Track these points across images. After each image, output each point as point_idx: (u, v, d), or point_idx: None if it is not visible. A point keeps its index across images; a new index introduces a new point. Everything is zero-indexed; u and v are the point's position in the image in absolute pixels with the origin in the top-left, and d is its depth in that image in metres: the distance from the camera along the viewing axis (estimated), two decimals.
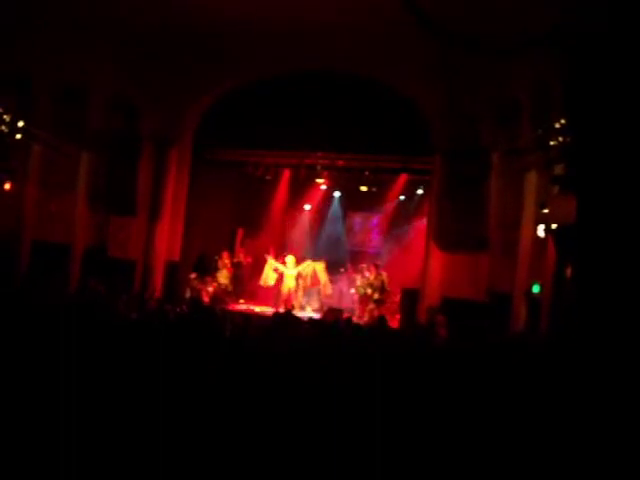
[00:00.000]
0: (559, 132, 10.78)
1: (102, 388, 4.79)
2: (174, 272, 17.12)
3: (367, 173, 17.39)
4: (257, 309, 17.25)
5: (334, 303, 17.32)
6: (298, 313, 14.27)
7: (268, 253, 17.97)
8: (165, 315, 9.16)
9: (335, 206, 20.68)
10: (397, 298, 16.77)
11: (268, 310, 17.07)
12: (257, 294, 18.55)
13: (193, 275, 17.06)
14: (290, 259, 17.67)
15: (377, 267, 16.87)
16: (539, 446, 4.46)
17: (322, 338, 7.73)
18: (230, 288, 17.76)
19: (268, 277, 17.76)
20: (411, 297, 15.79)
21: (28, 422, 4.34)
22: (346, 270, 18.65)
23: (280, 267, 17.64)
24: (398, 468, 4.34)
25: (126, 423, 4.47)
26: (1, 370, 4.99)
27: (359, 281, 16.96)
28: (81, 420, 4.30)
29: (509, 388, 5.57)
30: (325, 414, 4.73)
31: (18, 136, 12.94)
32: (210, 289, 17.04)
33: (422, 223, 17.30)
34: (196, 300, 12.27)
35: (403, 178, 18.45)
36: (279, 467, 4.32)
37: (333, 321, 11.00)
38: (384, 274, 16.76)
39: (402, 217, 19.76)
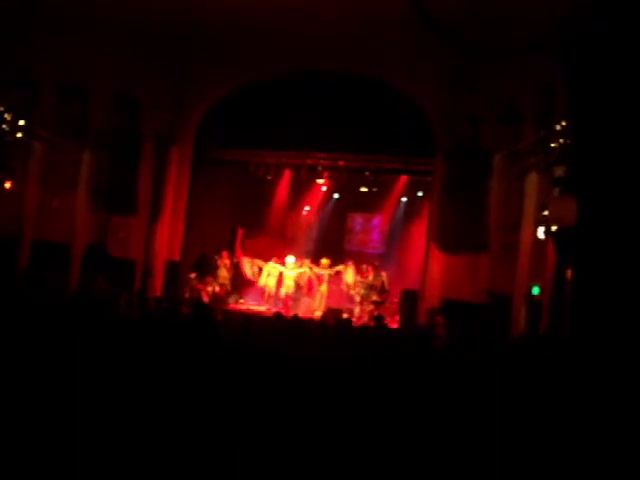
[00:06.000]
0: (560, 134, 10.79)
1: (102, 386, 4.79)
2: (174, 272, 17.10)
3: (368, 174, 17.38)
4: (256, 309, 17.24)
5: (333, 303, 17.28)
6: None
7: (270, 256, 17.99)
8: (166, 315, 9.16)
9: (334, 207, 20.66)
10: (397, 299, 16.75)
11: (262, 309, 17.14)
12: (257, 294, 18.50)
13: (193, 275, 17.04)
14: (289, 260, 17.66)
15: (375, 268, 16.86)
16: (538, 448, 4.47)
17: (324, 340, 7.74)
18: (230, 288, 17.76)
19: (266, 279, 17.76)
20: (411, 298, 15.76)
21: (29, 419, 4.34)
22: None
23: (279, 268, 17.61)
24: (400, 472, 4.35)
25: (126, 421, 4.47)
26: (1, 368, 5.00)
27: (359, 282, 16.93)
28: (81, 417, 4.30)
29: (510, 389, 5.57)
30: (327, 417, 4.73)
31: (19, 134, 12.96)
32: (210, 289, 17.03)
33: (422, 224, 17.27)
34: (198, 301, 12.27)
35: (404, 179, 18.45)
36: (279, 467, 4.32)
37: (338, 324, 10.99)
38: (384, 275, 16.75)
39: (403, 218, 19.75)
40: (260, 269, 17.76)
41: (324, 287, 17.26)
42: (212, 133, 17.00)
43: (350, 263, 17.52)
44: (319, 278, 17.41)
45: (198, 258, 17.47)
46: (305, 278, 17.51)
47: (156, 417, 4.55)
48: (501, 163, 13.92)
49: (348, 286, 17.10)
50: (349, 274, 17.16)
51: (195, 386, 5.03)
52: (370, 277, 16.62)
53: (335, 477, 4.32)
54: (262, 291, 17.90)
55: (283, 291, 17.40)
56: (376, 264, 17.15)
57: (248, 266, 17.96)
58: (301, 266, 17.60)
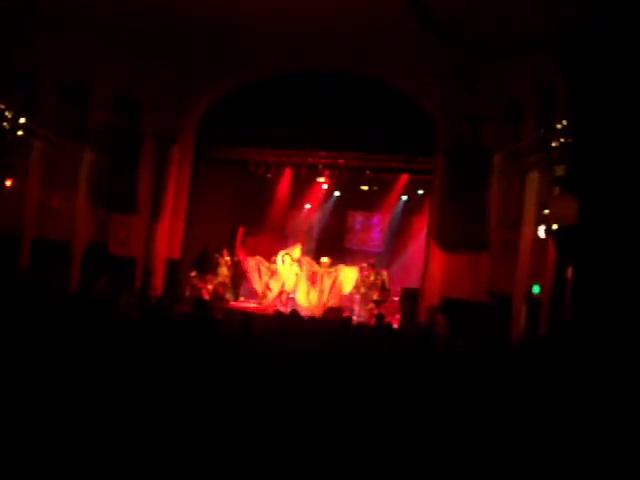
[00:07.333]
0: (561, 133, 10.78)
1: (103, 386, 4.80)
2: (174, 270, 17.12)
3: (368, 172, 17.39)
4: (253, 307, 17.29)
5: (333, 302, 17.29)
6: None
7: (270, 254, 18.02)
8: (167, 314, 9.16)
9: (335, 205, 20.65)
10: (397, 297, 16.76)
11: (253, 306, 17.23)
12: (257, 292, 18.50)
13: (193, 273, 17.05)
14: (287, 258, 17.67)
15: (373, 266, 16.85)
16: (538, 447, 4.48)
17: (324, 339, 7.75)
18: (230, 286, 17.78)
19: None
20: (411, 297, 15.77)
21: (29, 418, 4.35)
22: None
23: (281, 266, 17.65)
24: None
25: (126, 421, 4.48)
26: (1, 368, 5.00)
27: (359, 280, 16.95)
28: (81, 417, 4.30)
29: (510, 389, 5.58)
30: (327, 417, 4.74)
31: (20, 133, 12.97)
32: (210, 287, 17.04)
33: (423, 223, 17.27)
34: (201, 300, 12.26)
35: (404, 178, 18.44)
36: (279, 467, 4.33)
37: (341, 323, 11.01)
38: (384, 273, 16.75)
39: (403, 217, 19.74)
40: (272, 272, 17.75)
41: (325, 285, 17.26)
42: (212, 132, 17.02)
43: (349, 264, 17.60)
44: (315, 275, 17.43)
45: (198, 255, 17.48)
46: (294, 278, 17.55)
47: (156, 417, 4.56)
48: (501, 162, 13.92)
49: (346, 287, 17.16)
50: (348, 277, 17.20)
51: (195, 386, 5.03)
52: (371, 276, 16.62)
53: (335, 477, 4.32)
54: (263, 289, 17.91)
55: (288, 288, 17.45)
56: (372, 262, 17.13)
57: (264, 268, 17.91)
58: (300, 265, 17.65)
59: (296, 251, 18.02)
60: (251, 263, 18.11)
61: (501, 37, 10.73)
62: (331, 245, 20.02)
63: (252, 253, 18.63)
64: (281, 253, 17.86)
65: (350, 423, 4.68)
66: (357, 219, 21.04)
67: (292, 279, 17.44)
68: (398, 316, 16.06)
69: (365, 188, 18.33)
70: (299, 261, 17.72)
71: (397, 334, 11.63)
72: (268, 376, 5.40)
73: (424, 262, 15.80)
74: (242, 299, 18.39)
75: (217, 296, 16.76)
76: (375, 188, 18.51)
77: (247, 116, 16.19)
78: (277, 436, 4.52)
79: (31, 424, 4.30)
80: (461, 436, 4.62)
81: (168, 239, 17.17)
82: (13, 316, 6.72)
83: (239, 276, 18.36)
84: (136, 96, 16.19)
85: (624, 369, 6.61)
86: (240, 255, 18.69)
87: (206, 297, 16.08)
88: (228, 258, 17.79)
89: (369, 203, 19.88)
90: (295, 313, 10.78)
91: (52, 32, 13.02)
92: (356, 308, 16.71)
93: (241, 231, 19.71)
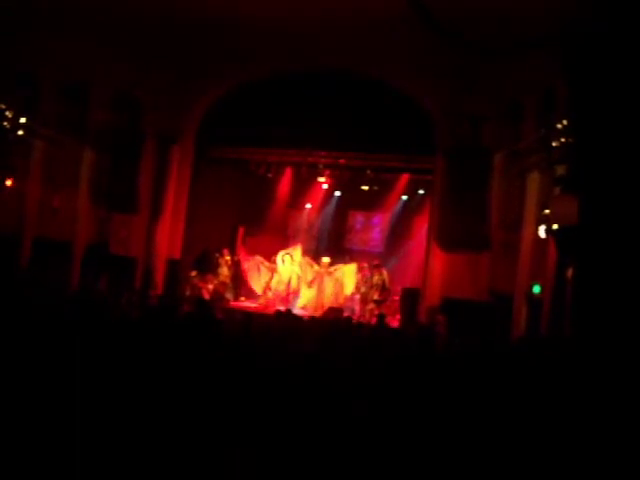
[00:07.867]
0: (562, 133, 10.79)
1: (103, 386, 4.80)
2: (175, 270, 17.13)
3: (369, 172, 17.38)
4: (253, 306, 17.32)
5: (335, 302, 17.29)
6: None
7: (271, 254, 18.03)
8: (169, 314, 9.16)
9: (335, 205, 20.66)
10: (398, 297, 16.75)
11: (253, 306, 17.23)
12: (256, 292, 18.51)
13: (194, 273, 17.05)
14: (287, 258, 17.68)
15: (376, 266, 16.84)
16: (539, 447, 4.47)
17: (324, 339, 7.74)
18: (231, 286, 17.79)
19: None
20: (412, 297, 15.76)
21: (29, 418, 4.35)
22: None
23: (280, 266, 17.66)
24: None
25: (126, 421, 4.48)
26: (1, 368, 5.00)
27: (360, 280, 16.94)
28: (81, 417, 4.30)
29: (510, 389, 5.58)
30: (327, 417, 4.74)
31: (20, 132, 12.98)
32: (210, 287, 17.04)
33: (423, 222, 17.27)
34: (201, 299, 12.27)
35: (405, 177, 18.42)
36: (279, 467, 4.33)
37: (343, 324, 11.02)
38: (385, 273, 16.74)
39: (404, 216, 19.74)
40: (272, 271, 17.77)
41: (326, 285, 17.27)
42: (213, 131, 17.02)
43: (350, 263, 17.61)
44: (315, 276, 17.45)
45: (199, 255, 17.49)
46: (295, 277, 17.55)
47: (156, 417, 4.56)
48: (502, 162, 13.92)
49: (347, 287, 17.16)
50: (349, 277, 17.20)
51: (195, 386, 5.03)
52: (374, 276, 16.60)
53: (335, 477, 4.32)
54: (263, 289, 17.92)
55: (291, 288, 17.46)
56: (375, 263, 17.15)
57: (264, 268, 17.92)
58: (299, 265, 17.66)
59: (296, 251, 18.02)
60: (251, 263, 18.12)
61: (501, 37, 10.73)
62: (332, 245, 20.05)
63: (252, 253, 18.63)
64: (281, 253, 17.87)
65: (350, 423, 4.68)
66: (358, 219, 21.05)
67: (293, 279, 17.44)
68: (398, 316, 16.06)
69: (366, 188, 18.33)
70: (299, 261, 17.72)
71: (397, 334, 11.64)
72: (268, 376, 5.40)
73: (424, 262, 15.79)
74: (242, 299, 18.37)
75: (217, 296, 16.76)
76: (375, 188, 18.51)
77: (247, 116, 16.18)
78: (277, 436, 4.51)
79: (31, 424, 4.30)
80: (462, 436, 4.61)
81: (169, 239, 17.18)
82: (13, 316, 6.72)
83: (239, 276, 18.36)
84: (136, 96, 16.20)
85: (625, 369, 6.60)
86: (241, 255, 18.68)
87: (206, 297, 16.08)
88: (228, 258, 17.80)
89: (370, 203, 19.88)
90: (289, 312, 10.82)
91: (52, 32, 13.03)
92: (356, 308, 16.69)
93: (241, 231, 19.72)
